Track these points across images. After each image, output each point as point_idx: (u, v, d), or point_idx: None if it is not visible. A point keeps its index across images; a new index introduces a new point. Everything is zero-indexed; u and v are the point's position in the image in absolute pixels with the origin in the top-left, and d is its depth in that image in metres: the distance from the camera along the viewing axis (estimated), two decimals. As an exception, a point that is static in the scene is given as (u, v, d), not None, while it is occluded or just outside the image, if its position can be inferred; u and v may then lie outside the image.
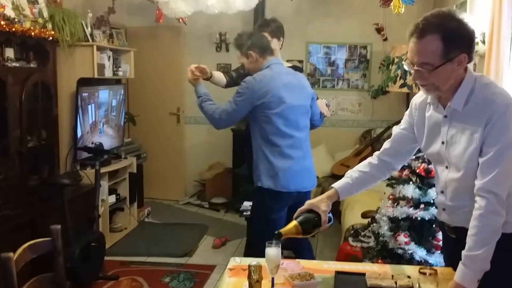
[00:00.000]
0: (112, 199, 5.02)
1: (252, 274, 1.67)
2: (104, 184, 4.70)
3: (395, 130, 2.27)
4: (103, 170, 4.60)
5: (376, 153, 2.30)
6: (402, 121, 2.25)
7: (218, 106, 3.23)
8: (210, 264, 4.38)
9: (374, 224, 3.29)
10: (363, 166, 2.29)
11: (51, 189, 4.15)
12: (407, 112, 2.22)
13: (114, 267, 4.34)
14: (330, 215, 2.14)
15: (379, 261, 3.02)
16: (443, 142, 1.98)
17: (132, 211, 5.51)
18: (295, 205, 2.61)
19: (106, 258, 4.29)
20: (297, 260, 2.35)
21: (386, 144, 2.28)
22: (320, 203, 2.12)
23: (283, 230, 2.03)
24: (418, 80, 1.92)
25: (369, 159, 2.30)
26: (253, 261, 1.76)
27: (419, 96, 2.15)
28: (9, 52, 3.95)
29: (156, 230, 5.43)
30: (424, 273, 1.83)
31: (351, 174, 2.26)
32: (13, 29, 3.75)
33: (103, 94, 5.02)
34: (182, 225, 5.58)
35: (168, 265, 4.45)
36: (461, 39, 1.84)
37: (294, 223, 2.06)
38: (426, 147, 2.10)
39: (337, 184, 2.23)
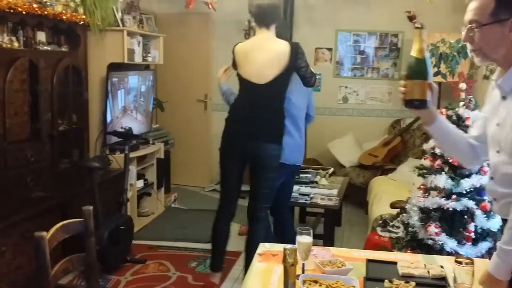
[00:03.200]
0: (140, 184, 5.07)
1: (287, 257, 1.66)
2: (133, 169, 4.74)
3: (478, 114, 2.16)
4: (131, 155, 4.63)
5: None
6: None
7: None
8: (236, 251, 4.38)
9: (404, 214, 3.24)
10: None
11: (81, 173, 4.21)
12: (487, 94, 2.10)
13: (142, 251, 4.38)
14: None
15: (409, 251, 2.98)
16: (497, 124, 1.88)
17: (159, 196, 5.55)
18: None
19: (133, 241, 4.34)
20: (327, 247, 2.33)
21: (470, 130, 2.12)
22: None
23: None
24: (467, 42, 1.83)
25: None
26: (287, 245, 1.74)
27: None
28: (41, 36, 3.99)
29: (183, 216, 5.46)
30: (460, 263, 1.78)
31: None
32: (45, 12, 3.79)
33: (133, 79, 5.04)
34: (208, 211, 5.57)
35: (194, 250, 4.47)
36: None
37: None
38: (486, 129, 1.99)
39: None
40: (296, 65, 3.36)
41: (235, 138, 3.43)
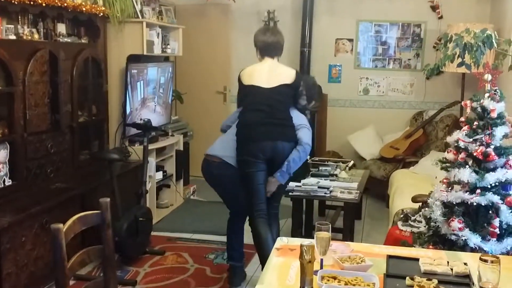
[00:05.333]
0: (159, 175, 5.08)
1: (304, 254, 1.62)
2: (152, 161, 4.74)
3: None
4: (150, 146, 4.64)
5: None
6: None
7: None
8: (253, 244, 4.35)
9: (426, 209, 3.16)
10: None
11: (101, 164, 4.22)
12: None
13: (161, 242, 4.39)
14: None
15: (430, 246, 2.92)
16: None
17: (178, 188, 5.55)
18: None
19: (152, 233, 4.35)
20: (346, 242, 2.29)
21: None
22: None
23: None
24: None
25: None
26: (304, 241, 1.70)
27: None
28: (61, 28, 4.00)
29: (202, 208, 5.46)
30: (485, 261, 1.72)
31: None
32: (65, 4, 3.79)
33: (152, 71, 5.04)
34: (227, 203, 5.57)
35: (213, 242, 4.46)
36: None
37: None
38: None
39: None
40: (299, 91, 3.52)
41: (251, 140, 3.39)
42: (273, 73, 3.49)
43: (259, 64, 3.58)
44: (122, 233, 3.77)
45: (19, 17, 3.62)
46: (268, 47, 3.52)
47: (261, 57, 3.57)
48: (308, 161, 4.83)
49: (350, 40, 6.31)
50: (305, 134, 3.45)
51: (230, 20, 6.45)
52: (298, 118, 3.51)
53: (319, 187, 4.16)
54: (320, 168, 4.63)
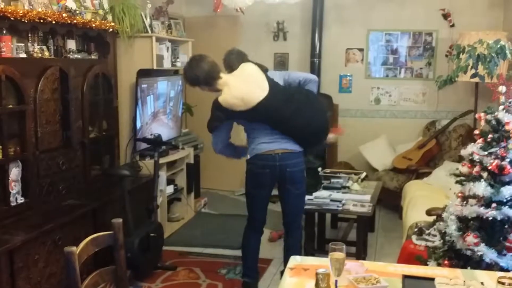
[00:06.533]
0: (170, 189, 5.06)
1: (320, 282, 1.59)
2: (163, 175, 4.73)
3: None
4: (161, 160, 4.62)
5: None
6: None
7: None
8: (267, 258, 4.32)
9: (441, 223, 3.11)
10: None
11: (112, 179, 4.21)
12: None
13: (172, 257, 4.37)
14: None
15: (446, 261, 2.86)
16: None
17: (189, 201, 5.53)
18: None
19: (164, 247, 4.33)
20: (360, 261, 2.25)
21: None
22: None
23: None
24: None
25: None
26: (320, 268, 1.67)
27: None
28: (71, 44, 4.01)
29: (213, 221, 5.44)
30: (503, 283, 1.68)
31: None
32: (75, 21, 3.80)
33: (162, 85, 5.04)
34: (238, 216, 5.51)
35: (224, 257, 4.43)
36: None
37: None
38: None
39: None
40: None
41: (310, 127, 3.56)
42: (251, 81, 3.44)
43: (230, 86, 3.49)
44: (133, 249, 3.76)
45: (29, 35, 3.63)
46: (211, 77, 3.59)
47: (227, 71, 3.70)
48: (320, 173, 4.79)
49: (361, 50, 6.29)
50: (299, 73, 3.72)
51: (240, 32, 6.45)
52: (291, 76, 3.59)
53: (331, 200, 4.13)
54: (332, 180, 4.59)
